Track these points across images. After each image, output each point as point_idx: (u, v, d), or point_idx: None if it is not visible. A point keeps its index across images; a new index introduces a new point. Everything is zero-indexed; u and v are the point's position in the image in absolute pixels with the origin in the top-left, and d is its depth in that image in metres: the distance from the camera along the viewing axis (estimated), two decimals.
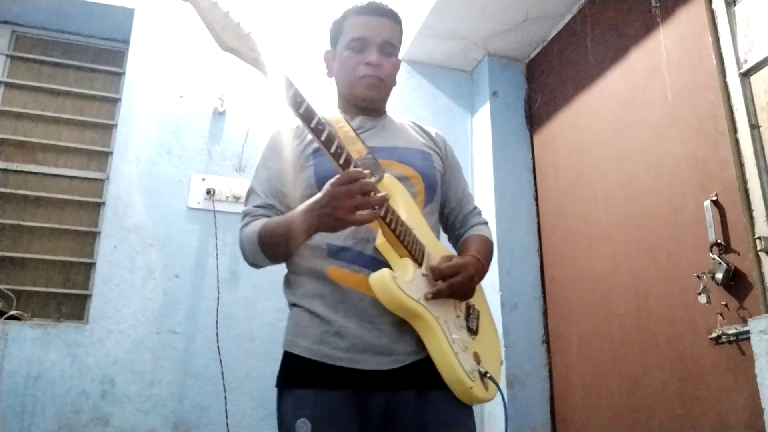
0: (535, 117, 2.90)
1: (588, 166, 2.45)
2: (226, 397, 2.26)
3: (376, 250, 1.25)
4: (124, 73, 2.68)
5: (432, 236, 1.35)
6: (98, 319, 2.26)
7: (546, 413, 2.51)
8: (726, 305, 1.77)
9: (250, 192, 1.38)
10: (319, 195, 1.15)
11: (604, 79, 2.42)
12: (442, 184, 1.47)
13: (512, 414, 2.46)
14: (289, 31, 2.82)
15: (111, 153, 2.60)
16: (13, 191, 2.51)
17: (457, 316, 1.28)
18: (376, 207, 1.13)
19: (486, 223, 1.53)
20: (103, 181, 2.60)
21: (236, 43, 1.06)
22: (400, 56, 3.37)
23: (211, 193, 2.49)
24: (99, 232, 2.48)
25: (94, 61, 2.79)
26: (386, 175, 1.30)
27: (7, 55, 2.68)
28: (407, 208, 1.29)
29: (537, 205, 2.80)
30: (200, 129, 2.60)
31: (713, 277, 1.77)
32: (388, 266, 1.21)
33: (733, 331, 1.71)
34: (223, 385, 2.28)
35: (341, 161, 1.14)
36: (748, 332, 1.59)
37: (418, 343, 1.23)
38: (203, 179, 2.52)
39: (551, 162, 2.72)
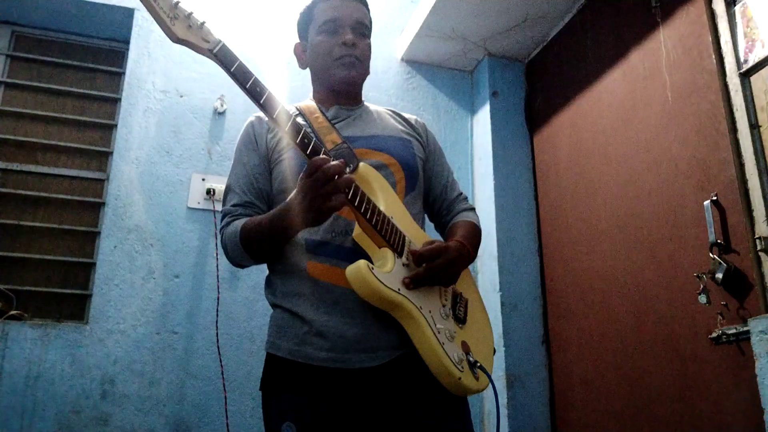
0: (535, 117, 2.90)
1: (588, 166, 2.45)
2: (226, 397, 2.26)
3: (354, 242, 1.21)
4: (124, 73, 2.68)
5: (414, 225, 1.31)
6: (98, 319, 2.26)
7: (546, 413, 2.51)
8: (726, 305, 1.77)
9: (228, 190, 1.36)
10: (293, 193, 1.13)
11: (604, 79, 2.42)
12: (425, 171, 1.45)
13: (512, 414, 2.46)
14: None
15: (111, 153, 2.60)
16: (13, 191, 2.51)
17: (443, 305, 1.24)
18: (346, 190, 1.10)
19: (473, 209, 1.50)
20: (103, 181, 2.60)
21: (187, 34, 1.05)
22: (399, 56, 3.37)
23: (211, 193, 2.49)
24: (99, 232, 2.48)
25: (94, 61, 2.79)
26: (361, 164, 1.26)
27: (7, 55, 2.68)
28: (385, 197, 1.25)
29: (537, 205, 2.79)
30: (200, 129, 2.60)
31: (713, 277, 1.77)
32: (368, 258, 1.17)
33: (733, 331, 1.71)
34: (223, 385, 2.28)
35: (308, 151, 1.11)
36: (748, 332, 1.59)
37: (402, 337, 1.18)
38: (203, 179, 2.52)
39: (551, 162, 2.72)
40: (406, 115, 1.52)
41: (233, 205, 1.33)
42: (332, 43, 1.37)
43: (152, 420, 2.20)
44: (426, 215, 1.49)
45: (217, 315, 2.35)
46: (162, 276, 2.37)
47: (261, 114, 1.40)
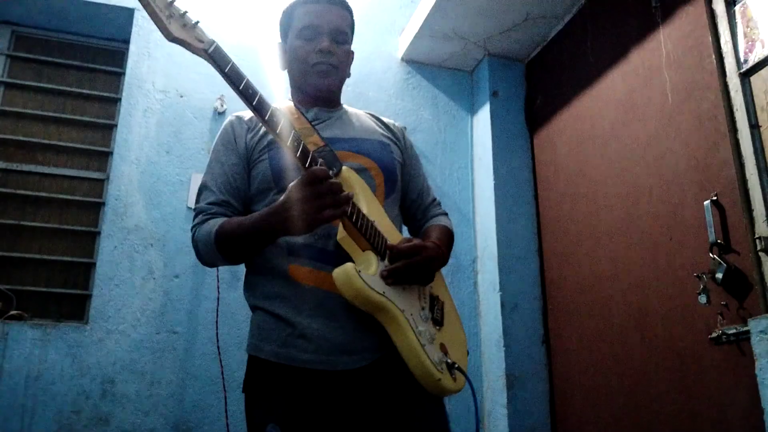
0: (535, 117, 2.90)
1: (588, 166, 2.45)
2: (226, 397, 2.26)
3: (337, 245, 1.21)
4: (124, 73, 2.68)
5: (394, 228, 1.32)
6: (98, 319, 2.26)
7: (546, 413, 2.51)
8: (726, 305, 1.77)
9: (203, 188, 1.33)
10: (282, 198, 1.12)
11: (604, 79, 2.42)
12: (403, 175, 1.46)
13: (512, 414, 2.46)
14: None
15: (111, 153, 2.60)
16: (13, 191, 2.51)
17: (422, 308, 1.26)
18: (345, 206, 1.11)
19: (446, 214, 1.53)
20: (103, 181, 2.60)
21: (182, 33, 1.04)
22: (399, 56, 3.37)
23: None
24: (99, 232, 2.48)
25: (94, 61, 2.79)
26: (344, 167, 1.27)
27: (7, 55, 2.68)
28: (367, 201, 1.26)
29: (537, 205, 2.80)
30: (200, 129, 2.60)
31: (713, 277, 1.77)
32: (351, 261, 1.18)
33: (733, 331, 1.71)
34: (223, 385, 2.28)
35: (298, 154, 1.10)
36: (748, 332, 1.59)
37: (383, 339, 1.19)
38: None
39: (551, 162, 2.72)
40: (386, 119, 1.53)
41: (209, 203, 1.31)
42: (308, 49, 1.37)
43: (152, 420, 2.20)
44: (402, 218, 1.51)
45: (217, 315, 2.35)
46: (162, 276, 2.37)
47: (240, 114, 1.40)
